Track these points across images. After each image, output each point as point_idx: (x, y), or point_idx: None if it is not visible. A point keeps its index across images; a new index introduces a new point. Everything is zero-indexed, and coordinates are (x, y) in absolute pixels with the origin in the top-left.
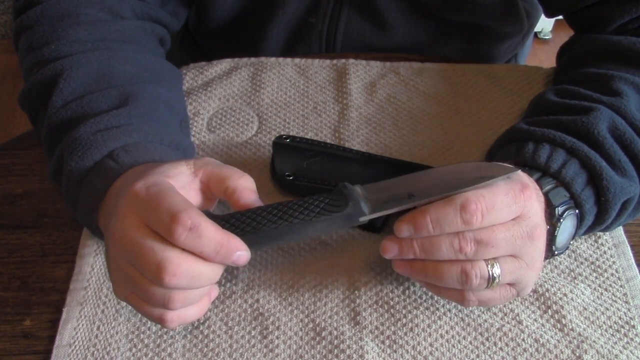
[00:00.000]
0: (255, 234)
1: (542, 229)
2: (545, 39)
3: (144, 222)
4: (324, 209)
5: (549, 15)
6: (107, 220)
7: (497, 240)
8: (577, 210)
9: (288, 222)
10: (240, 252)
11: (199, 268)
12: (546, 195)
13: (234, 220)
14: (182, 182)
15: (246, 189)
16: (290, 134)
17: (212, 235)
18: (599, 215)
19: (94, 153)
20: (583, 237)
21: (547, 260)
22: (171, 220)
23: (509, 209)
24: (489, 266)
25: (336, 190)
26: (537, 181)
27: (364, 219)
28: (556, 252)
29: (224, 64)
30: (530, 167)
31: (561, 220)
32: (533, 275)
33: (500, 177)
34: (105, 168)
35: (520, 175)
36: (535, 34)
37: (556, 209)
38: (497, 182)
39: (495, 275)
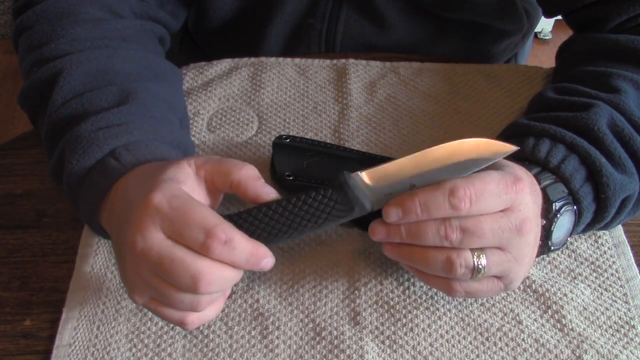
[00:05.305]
0: (268, 243)
1: (531, 223)
2: (545, 39)
3: (168, 235)
4: (332, 214)
5: (548, 15)
6: (113, 222)
7: (484, 230)
8: (575, 207)
9: (298, 231)
10: (267, 259)
11: (228, 274)
12: (544, 190)
13: (247, 224)
14: (192, 185)
15: (250, 177)
16: (290, 134)
17: (244, 246)
18: (597, 212)
19: (96, 151)
20: (583, 237)
21: (545, 257)
22: (207, 237)
23: (498, 199)
24: (475, 256)
25: (337, 188)
26: (536, 176)
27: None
28: (552, 248)
29: (224, 64)
30: (530, 161)
31: (558, 215)
32: (521, 270)
33: (499, 157)
34: (107, 167)
35: (515, 167)
36: (535, 34)
37: (553, 204)
38: (491, 172)
39: (480, 266)
